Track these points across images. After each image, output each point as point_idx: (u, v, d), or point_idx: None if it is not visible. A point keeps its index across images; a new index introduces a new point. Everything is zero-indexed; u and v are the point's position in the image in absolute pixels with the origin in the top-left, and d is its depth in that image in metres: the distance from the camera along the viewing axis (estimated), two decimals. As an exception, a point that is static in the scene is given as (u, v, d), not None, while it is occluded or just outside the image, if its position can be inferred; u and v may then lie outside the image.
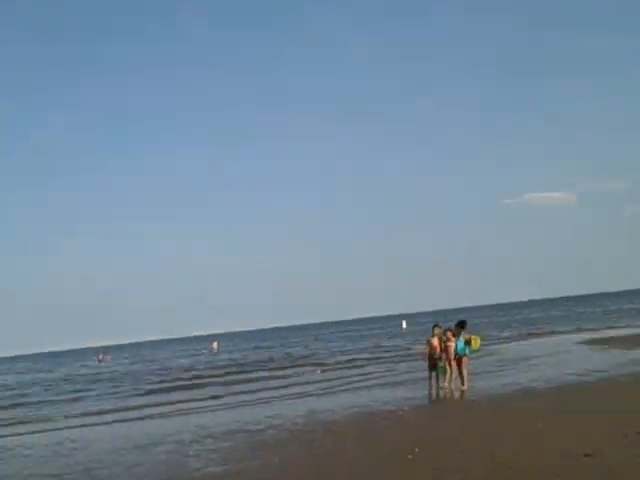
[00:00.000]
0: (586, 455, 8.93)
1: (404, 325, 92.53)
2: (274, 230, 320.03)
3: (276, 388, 25.54)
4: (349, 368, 32.38)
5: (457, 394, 17.88)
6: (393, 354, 39.26)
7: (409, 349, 40.09)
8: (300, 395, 22.11)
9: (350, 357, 40.56)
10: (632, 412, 12.10)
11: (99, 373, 53.65)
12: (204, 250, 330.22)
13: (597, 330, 42.17)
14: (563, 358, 25.54)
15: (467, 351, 18.42)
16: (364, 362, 35.41)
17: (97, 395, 31.78)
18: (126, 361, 77.54)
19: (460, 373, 18.47)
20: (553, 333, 45.57)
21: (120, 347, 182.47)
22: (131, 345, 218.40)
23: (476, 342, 18.38)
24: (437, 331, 18.63)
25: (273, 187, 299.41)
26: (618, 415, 11.93)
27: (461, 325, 18.85)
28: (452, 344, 18.26)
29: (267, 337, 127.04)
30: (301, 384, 26.34)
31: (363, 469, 9.80)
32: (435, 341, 18.53)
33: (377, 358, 37.30)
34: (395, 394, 19.23)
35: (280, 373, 33.61)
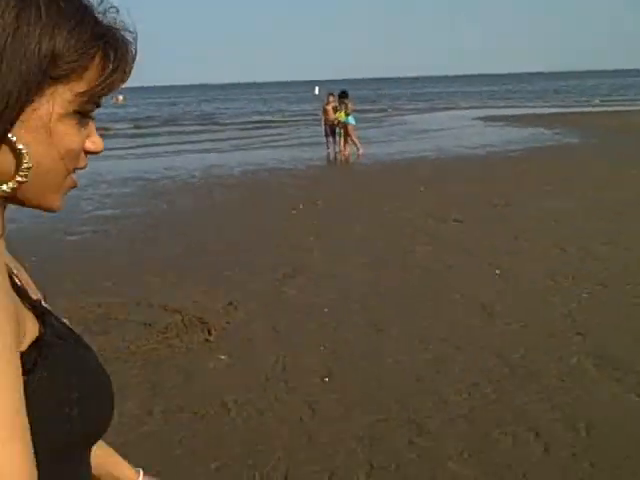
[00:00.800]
0: (455, 220, 9.64)
1: (316, 91, 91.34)
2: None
3: (179, 143, 25.60)
4: (254, 129, 32.57)
5: (352, 158, 18.54)
6: (299, 118, 39.47)
7: (317, 115, 40.26)
8: (200, 151, 22.34)
9: (256, 118, 40.59)
10: (502, 182, 12.95)
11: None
12: None
13: (499, 108, 43.32)
14: (458, 132, 26.41)
15: (351, 120, 18.95)
16: (269, 124, 35.62)
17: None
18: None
19: (351, 139, 19.12)
20: (456, 108, 46.54)
21: None
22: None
23: (340, 114, 18.94)
24: (331, 99, 19.20)
25: None
26: (493, 185, 12.75)
27: (343, 95, 19.25)
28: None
29: (174, 94, 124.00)
30: (201, 142, 26.42)
31: (244, 219, 10.34)
32: (329, 108, 19.13)
33: (285, 121, 37.53)
34: (294, 154, 19.69)
35: (182, 129, 33.55)
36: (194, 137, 28.42)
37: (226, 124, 36.77)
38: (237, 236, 9.15)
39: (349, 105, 19.09)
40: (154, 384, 4.72)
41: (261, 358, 5.11)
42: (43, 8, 0.77)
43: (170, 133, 31.08)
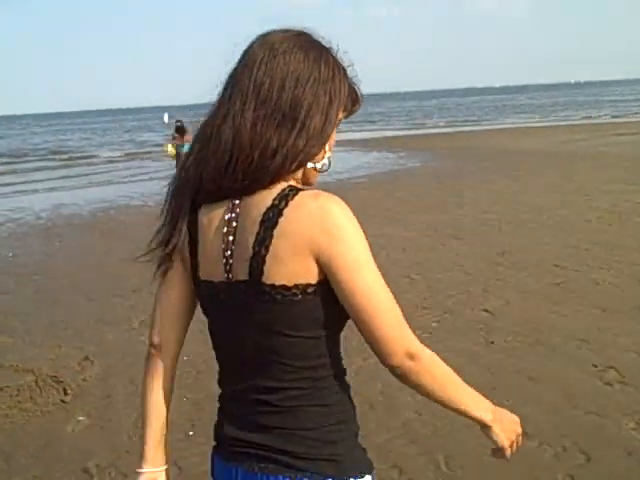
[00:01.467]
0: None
1: (165, 118, 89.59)
2: None
3: (22, 183, 24.37)
4: (102, 163, 31.70)
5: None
6: (148, 150, 38.62)
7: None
8: (46, 189, 21.45)
9: (101, 152, 39.48)
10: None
11: None
12: None
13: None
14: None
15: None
16: (115, 158, 34.78)
17: None
18: None
19: None
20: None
21: None
22: None
23: (167, 147, 17.31)
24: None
25: None
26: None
27: (180, 130, 17.22)
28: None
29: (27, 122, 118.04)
30: (43, 180, 25.25)
31: (96, 264, 10.07)
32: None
33: (131, 154, 36.73)
34: (143, 190, 19.28)
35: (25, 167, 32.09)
36: (38, 175, 27.06)
37: (75, 158, 35.41)
38: (89, 284, 8.89)
39: (184, 138, 17.56)
40: (8, 456, 4.51)
41: (122, 416, 5.00)
42: (341, 67, 1.53)
43: (14, 171, 29.55)
